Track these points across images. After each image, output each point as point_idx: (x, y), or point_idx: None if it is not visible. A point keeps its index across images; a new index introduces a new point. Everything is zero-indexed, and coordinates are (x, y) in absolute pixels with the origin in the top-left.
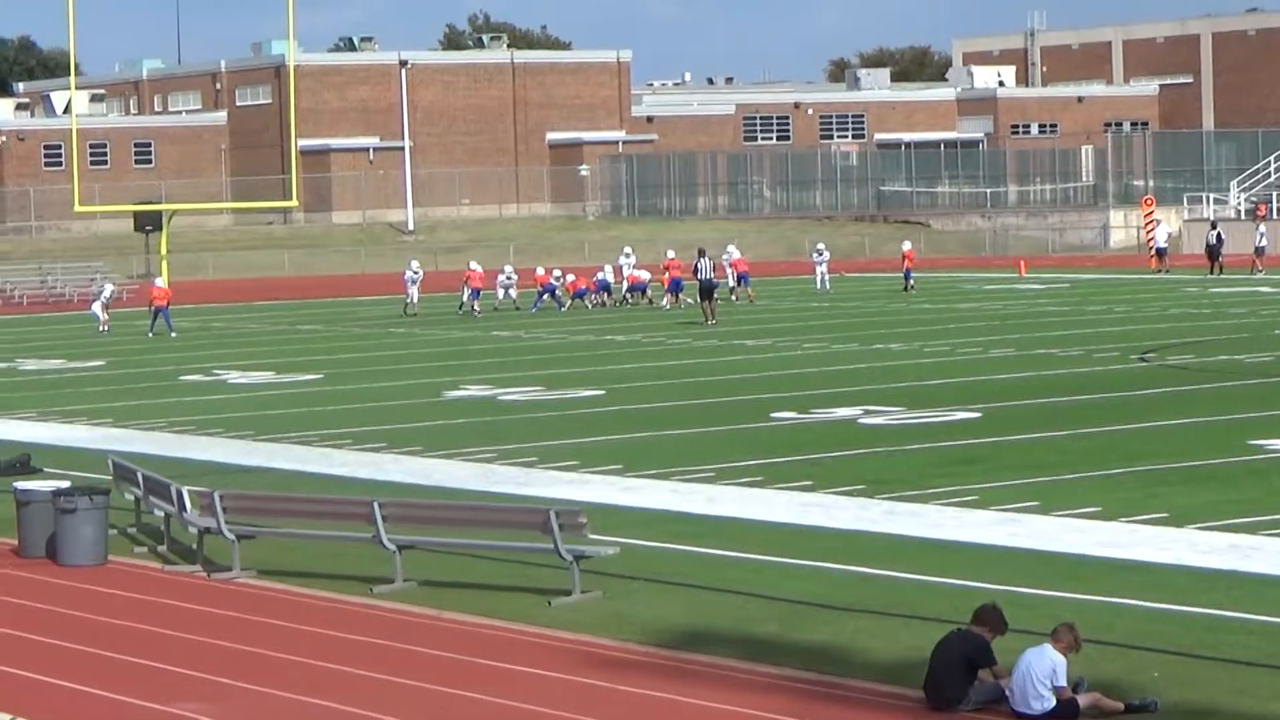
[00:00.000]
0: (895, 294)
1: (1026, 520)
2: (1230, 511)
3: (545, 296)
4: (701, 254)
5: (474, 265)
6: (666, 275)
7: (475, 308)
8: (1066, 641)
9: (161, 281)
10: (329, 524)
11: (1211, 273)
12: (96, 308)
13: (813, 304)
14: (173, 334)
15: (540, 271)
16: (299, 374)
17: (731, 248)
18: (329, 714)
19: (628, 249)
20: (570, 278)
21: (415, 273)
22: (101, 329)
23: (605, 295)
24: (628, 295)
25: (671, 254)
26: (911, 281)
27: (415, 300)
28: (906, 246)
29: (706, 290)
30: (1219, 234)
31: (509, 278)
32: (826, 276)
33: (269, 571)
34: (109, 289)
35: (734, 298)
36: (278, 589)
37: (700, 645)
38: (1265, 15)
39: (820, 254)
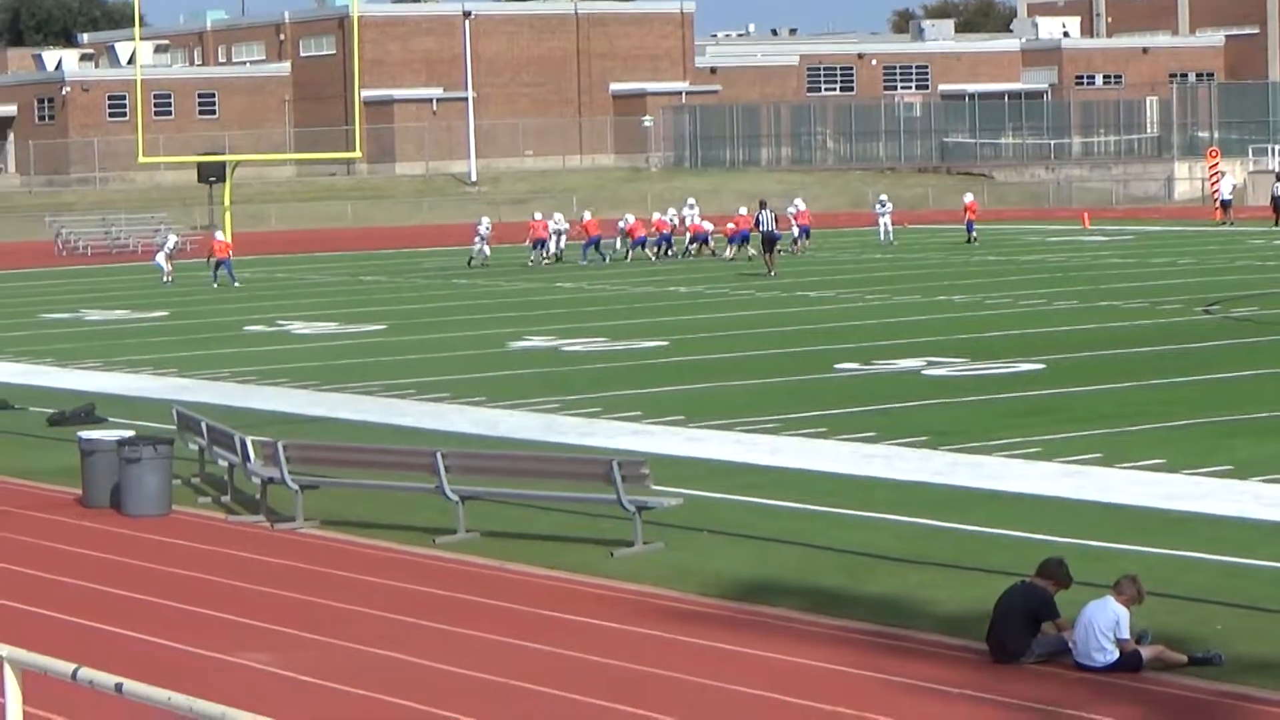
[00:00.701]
0: (958, 246)
1: (1090, 472)
2: None
3: (591, 248)
4: (763, 205)
5: (538, 215)
6: (730, 226)
7: (532, 259)
8: (1129, 594)
9: (222, 235)
10: (392, 474)
11: (1277, 224)
12: (160, 258)
13: (876, 256)
14: (235, 284)
15: (587, 216)
16: (363, 324)
17: (798, 200)
18: (393, 664)
19: (691, 200)
20: (629, 219)
21: (486, 229)
22: (165, 280)
23: (666, 245)
24: (690, 246)
25: (744, 210)
26: (975, 234)
27: (485, 253)
28: (969, 199)
29: (769, 241)
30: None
31: (558, 226)
32: (890, 228)
33: (332, 522)
34: (173, 240)
35: (795, 250)
36: (341, 539)
37: (764, 597)
38: None
39: (884, 205)
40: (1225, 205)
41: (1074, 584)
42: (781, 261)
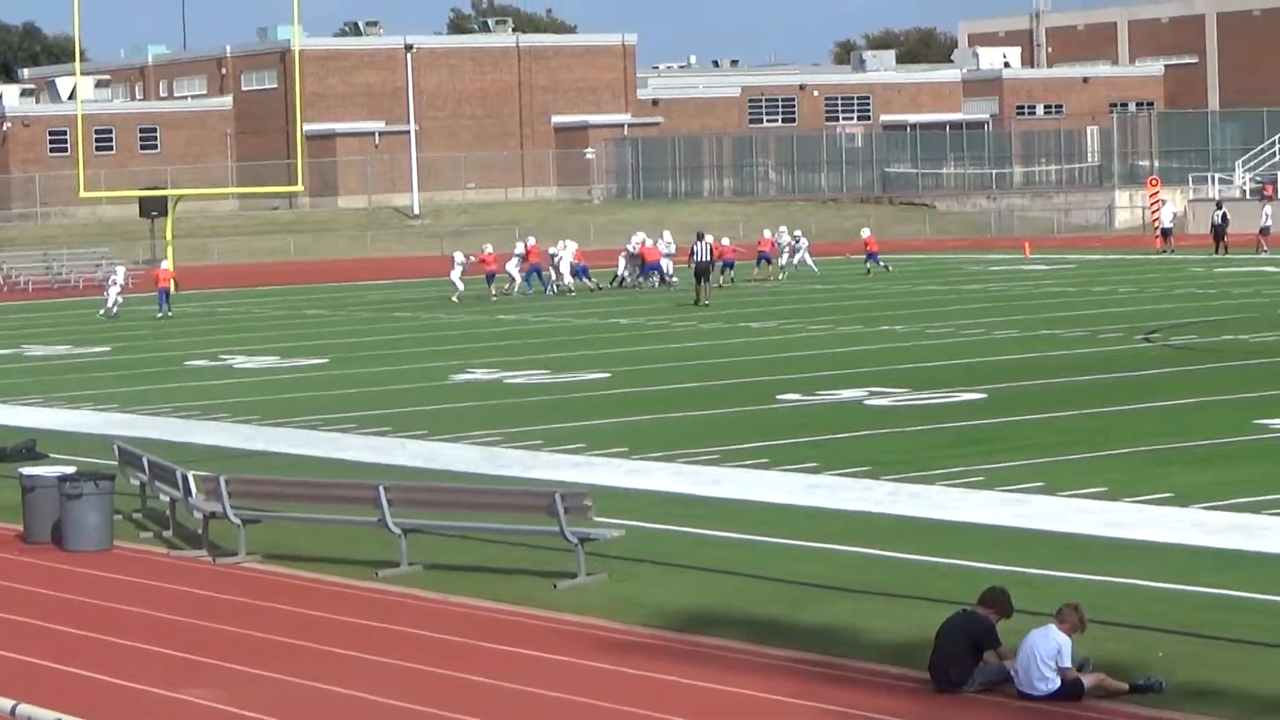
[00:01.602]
0: (860, 277)
1: (1032, 500)
2: (1235, 491)
3: (535, 276)
4: (700, 237)
5: (488, 248)
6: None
7: (492, 291)
8: (1071, 622)
9: (167, 264)
10: (334, 508)
11: (1216, 252)
12: (114, 292)
13: (817, 287)
14: (162, 315)
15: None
16: (304, 358)
17: (782, 229)
18: (337, 699)
19: (640, 234)
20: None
21: (462, 262)
22: (111, 310)
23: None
24: (641, 278)
25: (727, 241)
26: (881, 264)
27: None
28: (866, 234)
29: (701, 271)
30: (1224, 214)
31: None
32: (809, 259)
33: (275, 556)
34: (121, 272)
35: (772, 277)
36: (284, 573)
37: (706, 627)
38: None
39: (798, 240)
40: (1166, 234)
41: (1016, 613)
42: (754, 290)
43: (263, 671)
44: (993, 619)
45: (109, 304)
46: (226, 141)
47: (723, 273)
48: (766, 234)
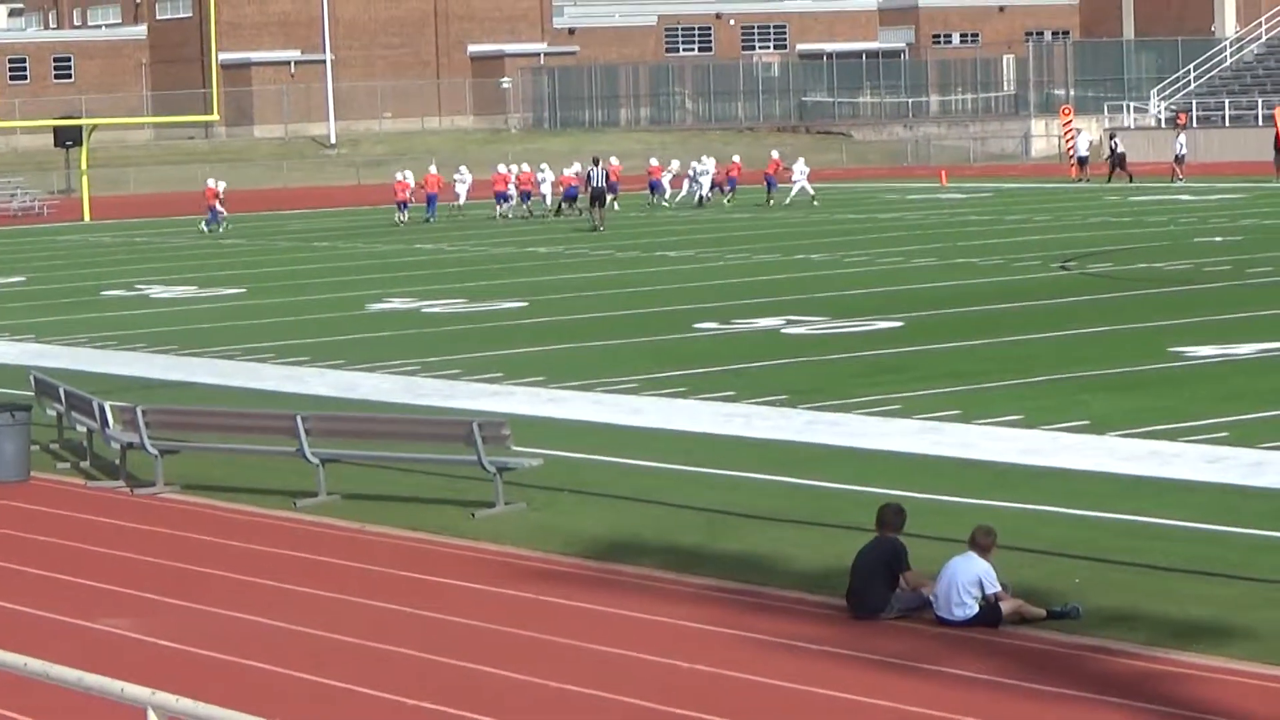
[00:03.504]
0: (779, 207)
1: (948, 429)
2: (1150, 418)
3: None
4: (596, 162)
5: (399, 176)
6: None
7: (401, 219)
8: (986, 544)
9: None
10: (252, 438)
11: (1110, 181)
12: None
13: (735, 215)
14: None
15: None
16: (222, 288)
17: (708, 159)
18: (255, 628)
19: (544, 165)
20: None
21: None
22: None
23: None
24: (563, 204)
25: (655, 161)
26: (773, 192)
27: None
28: (774, 155)
29: (597, 196)
30: (1117, 143)
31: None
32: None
33: (192, 486)
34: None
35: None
36: (201, 504)
37: (624, 556)
38: None
39: (702, 163)
40: (1082, 162)
41: (934, 539)
42: (704, 214)
43: (180, 601)
44: (900, 540)
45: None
46: (141, 71)
47: (654, 194)
48: (654, 161)
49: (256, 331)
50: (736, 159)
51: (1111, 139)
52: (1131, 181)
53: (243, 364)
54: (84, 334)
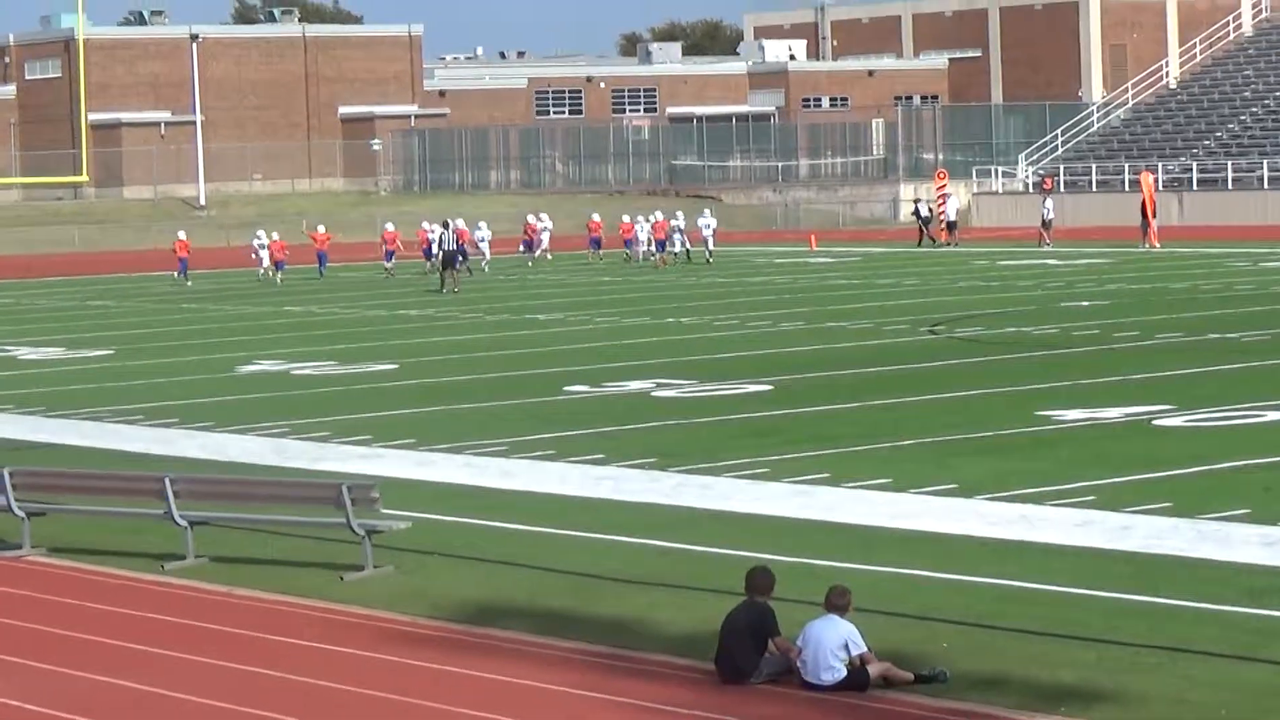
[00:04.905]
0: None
1: (817, 492)
2: (1018, 482)
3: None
4: (446, 225)
5: (275, 235)
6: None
7: (277, 279)
8: (842, 604)
9: (267, 237)
10: (120, 500)
11: (919, 245)
12: None
13: (604, 278)
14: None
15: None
16: (90, 350)
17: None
18: (122, 692)
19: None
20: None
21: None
22: None
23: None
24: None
25: (596, 216)
26: (599, 252)
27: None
28: (595, 217)
29: (448, 260)
30: (927, 205)
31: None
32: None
33: (60, 549)
34: None
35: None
36: (69, 567)
37: (494, 619)
38: None
39: (541, 219)
40: (951, 226)
41: (802, 603)
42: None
43: (46, 665)
44: (769, 603)
45: None
46: (10, 131)
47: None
48: (595, 216)
49: (125, 393)
50: (596, 217)
51: (916, 202)
52: (935, 245)
53: (111, 426)
54: None
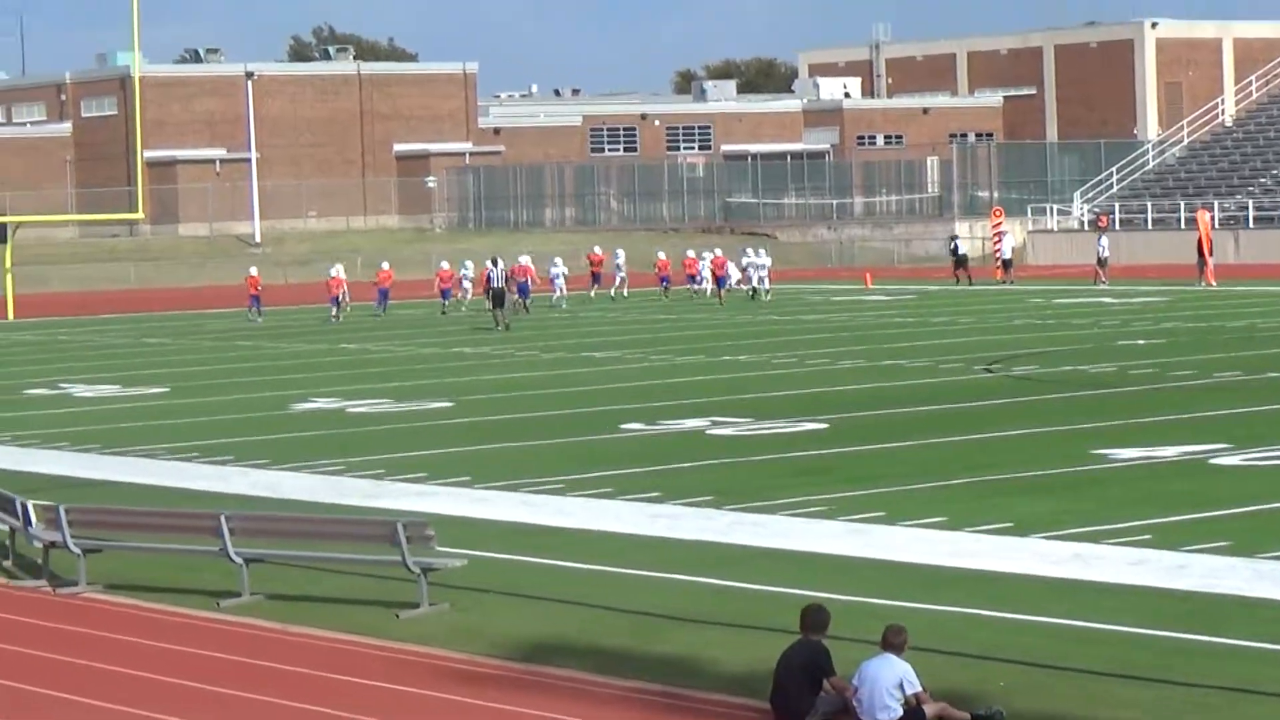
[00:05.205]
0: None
1: (873, 530)
2: (1073, 520)
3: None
4: (495, 262)
5: (333, 272)
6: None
7: (336, 316)
8: (898, 643)
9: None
10: (176, 538)
11: (957, 283)
12: None
13: (659, 316)
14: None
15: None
16: (145, 387)
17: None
18: None
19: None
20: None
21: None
22: None
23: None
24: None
25: (662, 255)
26: (665, 286)
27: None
28: (661, 256)
29: (497, 297)
30: (957, 243)
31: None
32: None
33: (116, 586)
34: None
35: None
36: (125, 603)
37: (550, 658)
38: (1105, 28)
39: (556, 266)
40: (1006, 264)
41: (859, 641)
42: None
43: (103, 703)
44: (824, 642)
45: None
46: (66, 168)
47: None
48: (661, 255)
49: (180, 431)
50: (662, 255)
51: (953, 239)
52: (971, 284)
53: (166, 463)
54: (7, 432)
